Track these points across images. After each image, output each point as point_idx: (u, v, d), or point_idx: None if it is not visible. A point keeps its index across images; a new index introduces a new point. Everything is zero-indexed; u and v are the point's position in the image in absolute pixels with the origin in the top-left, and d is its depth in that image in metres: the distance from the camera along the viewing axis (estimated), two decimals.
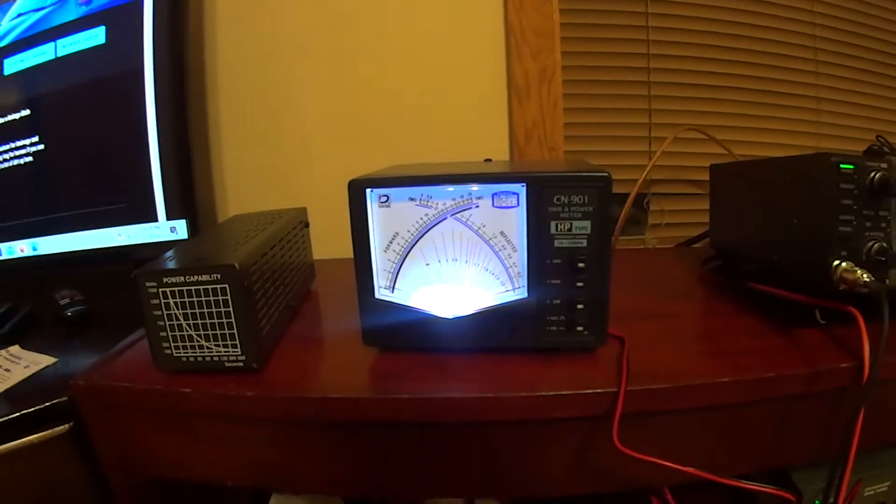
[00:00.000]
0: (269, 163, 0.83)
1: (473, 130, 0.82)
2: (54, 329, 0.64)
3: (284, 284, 0.50)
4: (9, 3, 0.71)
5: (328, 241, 0.71)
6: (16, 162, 0.69)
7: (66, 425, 0.49)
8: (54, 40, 0.67)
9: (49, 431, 0.48)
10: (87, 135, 0.66)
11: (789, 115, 0.88)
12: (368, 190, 0.39)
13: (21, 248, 0.71)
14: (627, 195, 0.77)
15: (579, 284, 0.39)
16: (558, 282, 0.39)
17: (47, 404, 0.48)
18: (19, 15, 0.70)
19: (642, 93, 0.84)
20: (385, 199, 0.39)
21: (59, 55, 0.66)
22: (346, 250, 0.62)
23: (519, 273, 0.40)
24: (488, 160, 0.51)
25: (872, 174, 0.42)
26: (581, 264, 0.39)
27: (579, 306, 0.40)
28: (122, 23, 0.63)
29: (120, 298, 0.69)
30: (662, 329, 0.47)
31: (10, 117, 0.70)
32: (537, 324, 0.40)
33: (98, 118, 0.65)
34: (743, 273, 0.56)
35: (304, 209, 0.59)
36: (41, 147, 0.68)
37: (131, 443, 0.45)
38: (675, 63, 0.84)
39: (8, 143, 0.70)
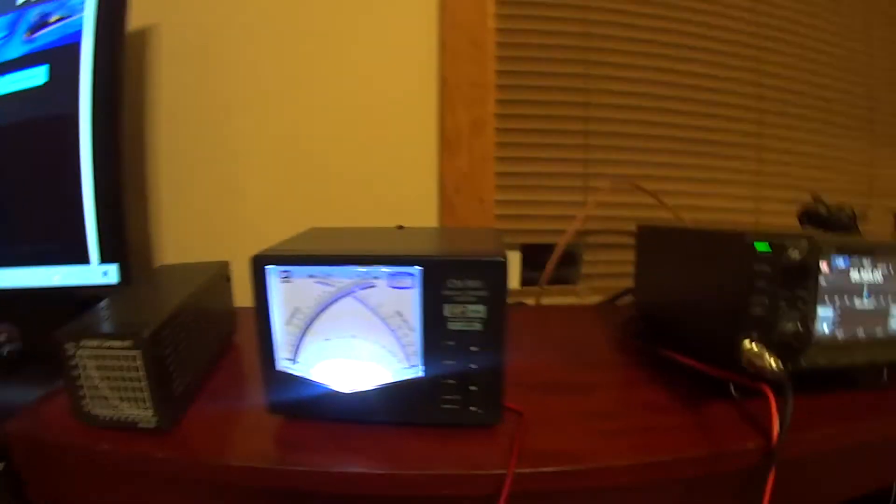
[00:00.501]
0: (204, 210, 0.85)
1: (404, 182, 0.83)
2: None
3: (201, 344, 0.51)
4: None
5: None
6: None
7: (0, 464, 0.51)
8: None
9: None
10: (24, 173, 0.67)
11: (729, 163, 0.88)
12: (268, 266, 0.40)
13: None
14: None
15: (472, 366, 0.40)
16: (452, 362, 0.40)
17: None
18: None
19: (578, 142, 0.85)
20: (286, 274, 0.41)
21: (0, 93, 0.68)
22: None
23: (415, 351, 0.41)
24: (400, 227, 0.52)
25: (791, 254, 0.42)
26: (474, 348, 0.39)
27: (472, 387, 0.40)
28: (64, 63, 0.65)
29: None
30: (570, 403, 0.47)
31: None
32: (433, 401, 0.41)
33: (35, 157, 0.67)
34: (661, 339, 0.56)
35: (227, 263, 0.61)
36: None
37: (59, 487, 0.47)
38: (613, 112, 0.85)
39: None
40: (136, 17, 0.67)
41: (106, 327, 0.43)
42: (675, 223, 0.59)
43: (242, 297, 0.65)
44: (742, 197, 0.89)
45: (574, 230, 0.78)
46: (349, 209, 0.83)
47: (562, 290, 0.87)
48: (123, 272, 0.63)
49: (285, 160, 0.84)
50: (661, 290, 0.59)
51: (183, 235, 0.86)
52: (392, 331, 0.40)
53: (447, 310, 0.39)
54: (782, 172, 0.91)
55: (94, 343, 0.42)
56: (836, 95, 0.92)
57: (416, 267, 0.39)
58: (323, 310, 0.41)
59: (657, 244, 0.60)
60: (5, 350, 0.63)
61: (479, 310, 0.39)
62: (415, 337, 0.40)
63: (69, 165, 0.63)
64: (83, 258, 0.64)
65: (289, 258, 0.40)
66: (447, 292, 0.39)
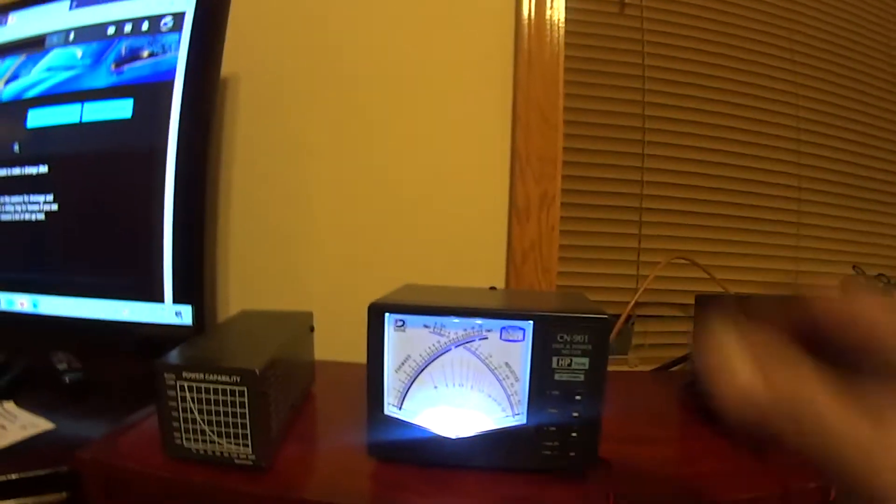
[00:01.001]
0: (275, 258, 0.86)
1: (474, 249, 0.85)
2: (49, 393, 0.64)
3: (290, 387, 0.52)
4: (40, 54, 0.73)
5: (326, 343, 0.73)
6: (28, 217, 0.71)
7: (63, 494, 0.50)
8: (81, 103, 0.69)
9: (44, 497, 0.50)
10: (103, 204, 0.68)
11: (770, 240, 0.94)
12: (387, 314, 0.42)
13: (21, 303, 0.72)
14: (617, 316, 0.81)
15: (574, 414, 0.42)
16: (555, 411, 0.42)
17: (48, 471, 0.50)
18: (49, 69, 0.72)
19: (633, 218, 0.90)
20: (401, 323, 0.42)
21: (84, 120, 0.69)
22: (342, 353, 0.65)
23: (519, 401, 0.43)
24: (493, 288, 0.55)
25: None
26: (578, 397, 0.42)
27: (573, 434, 0.43)
28: (151, 99, 0.65)
29: (117, 371, 0.70)
30: (646, 453, 0.50)
31: (27, 170, 0.72)
32: (533, 447, 0.43)
33: (115, 189, 0.67)
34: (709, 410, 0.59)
35: (311, 313, 0.62)
36: (55, 207, 0.70)
37: None
38: (665, 190, 0.90)
39: (23, 196, 0.72)
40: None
41: (212, 361, 0.43)
42: (732, 294, 0.63)
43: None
44: (781, 271, 0.95)
45: (634, 302, 0.81)
46: (419, 269, 0.84)
47: (613, 359, 0.91)
48: (197, 314, 0.63)
49: (359, 217, 0.85)
50: None
51: (250, 283, 0.87)
52: (499, 381, 0.43)
53: (555, 362, 0.41)
54: (819, 247, 0.97)
55: (198, 375, 0.42)
56: (871, 174, 0.99)
57: (528, 322, 0.41)
58: (434, 359, 0.42)
59: (715, 312, 0.64)
60: (67, 378, 0.62)
61: (583, 362, 0.42)
62: (520, 386, 0.43)
63: (150, 201, 0.63)
64: (157, 296, 0.64)
65: (406, 307, 0.42)
66: (556, 345, 0.41)
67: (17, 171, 0.72)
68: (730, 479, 0.45)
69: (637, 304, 0.85)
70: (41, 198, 0.70)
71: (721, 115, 0.92)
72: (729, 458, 0.49)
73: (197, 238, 0.63)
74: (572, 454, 0.43)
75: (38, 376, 0.67)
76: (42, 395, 0.64)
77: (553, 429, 0.43)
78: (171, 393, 0.43)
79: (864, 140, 0.98)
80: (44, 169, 0.71)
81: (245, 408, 0.42)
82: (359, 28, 0.83)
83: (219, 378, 0.42)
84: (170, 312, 0.64)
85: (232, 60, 0.83)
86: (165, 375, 0.43)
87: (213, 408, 0.43)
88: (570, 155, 0.86)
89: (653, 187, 0.89)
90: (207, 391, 0.43)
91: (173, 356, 0.44)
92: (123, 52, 0.68)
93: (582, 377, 0.42)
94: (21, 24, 0.74)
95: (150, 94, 0.66)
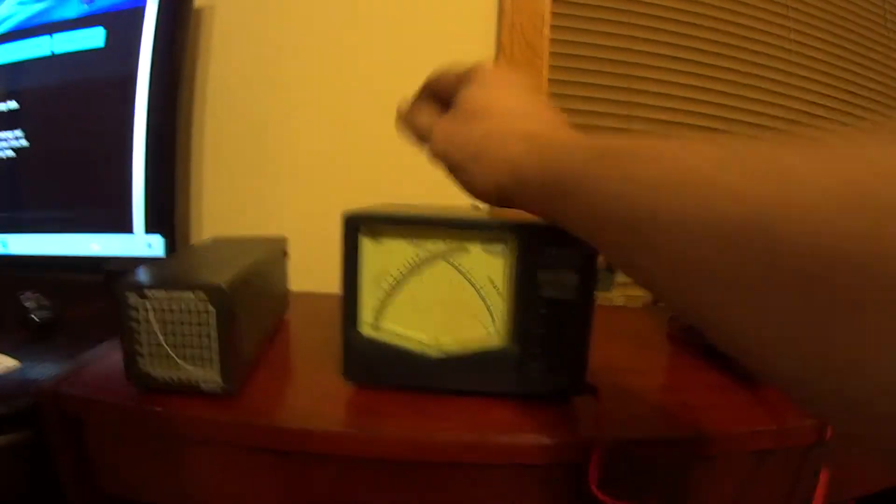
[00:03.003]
0: (249, 187, 0.83)
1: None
2: (17, 332, 0.62)
3: (262, 310, 0.49)
4: None
5: (301, 274, 0.71)
6: None
7: (27, 433, 0.48)
8: (51, 34, 0.66)
9: (7, 437, 0.47)
10: (73, 137, 0.65)
11: None
12: (363, 225, 0.39)
13: None
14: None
15: (562, 334, 0.40)
16: (542, 331, 0.40)
17: (8, 410, 0.47)
18: (20, 2, 0.69)
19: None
20: (378, 234, 0.40)
21: (54, 52, 0.65)
22: (320, 284, 0.63)
23: (504, 320, 0.40)
24: (475, 207, 0.52)
25: None
26: (566, 315, 0.39)
27: (560, 356, 0.40)
28: (122, 28, 0.62)
29: (87, 308, 0.68)
30: (634, 382, 0.48)
31: None
32: (518, 370, 0.41)
33: (85, 121, 0.64)
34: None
35: (285, 238, 0.59)
36: (24, 143, 0.66)
37: (94, 458, 0.44)
38: (653, 126, 0.87)
39: None
40: None
41: (177, 279, 0.40)
42: None
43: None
44: None
45: None
46: (400, 197, 0.82)
47: (596, 296, 0.88)
48: (168, 245, 0.60)
49: (337, 144, 0.82)
50: None
51: (224, 213, 0.84)
52: (482, 297, 0.40)
53: (541, 276, 0.39)
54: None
55: (162, 294, 0.40)
56: None
57: (513, 232, 0.39)
58: (412, 273, 0.40)
59: None
60: (35, 317, 0.59)
61: (572, 278, 0.39)
62: (504, 304, 0.40)
63: (121, 131, 0.60)
64: (126, 227, 0.61)
65: (383, 217, 0.39)
66: (543, 259, 0.39)
67: None
68: (723, 411, 0.43)
69: None
70: (10, 134, 0.67)
71: (711, 55, 0.88)
72: (722, 391, 0.47)
73: (168, 167, 0.60)
74: (559, 378, 0.41)
75: (6, 317, 0.64)
76: (10, 336, 0.61)
77: (539, 350, 0.40)
78: (133, 314, 0.40)
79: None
80: (13, 105, 0.67)
81: (211, 327, 0.40)
82: None
83: (183, 295, 0.39)
84: (141, 244, 0.61)
85: None
86: (127, 294, 0.40)
87: (178, 329, 0.40)
88: (556, 87, 0.83)
89: (640, 123, 0.86)
90: (171, 311, 0.40)
91: (136, 275, 0.41)
92: None
93: (571, 294, 0.39)
94: None
95: (122, 22, 0.63)
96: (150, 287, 0.40)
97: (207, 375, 0.41)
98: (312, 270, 0.67)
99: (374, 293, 0.40)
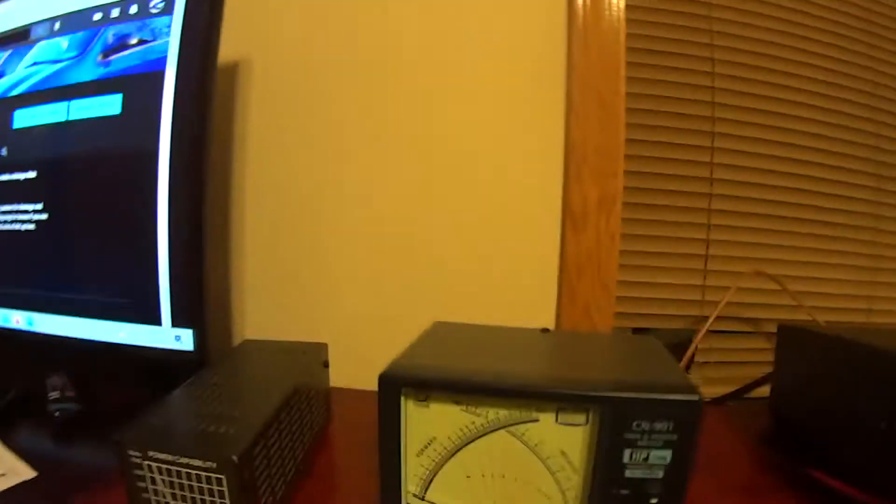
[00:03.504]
0: (293, 283, 0.74)
1: (520, 263, 0.72)
2: (41, 424, 0.57)
3: (294, 447, 0.43)
4: (25, 48, 0.65)
5: (348, 373, 0.64)
6: (18, 227, 0.64)
7: None
8: (68, 100, 0.61)
9: None
10: (94, 212, 0.60)
11: (844, 260, 0.80)
12: (406, 387, 0.32)
13: (17, 320, 0.66)
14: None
15: None
16: None
17: None
18: (35, 63, 0.64)
19: (702, 221, 0.75)
20: (424, 397, 0.32)
21: (70, 118, 0.60)
22: (366, 381, 0.55)
23: (576, 497, 0.33)
24: (545, 330, 0.44)
25: None
26: (653, 500, 0.31)
27: None
28: (141, 93, 0.57)
29: (116, 399, 0.63)
30: None
31: (15, 176, 0.64)
32: None
33: (106, 196, 0.59)
34: (803, 452, 0.50)
35: (325, 345, 0.53)
36: (45, 216, 0.62)
37: None
38: (737, 190, 0.76)
39: (11, 205, 0.64)
40: (224, 48, 0.57)
41: (183, 438, 0.34)
42: (827, 329, 0.51)
43: (333, 377, 0.58)
44: (855, 284, 0.80)
45: (712, 320, 0.68)
46: (457, 291, 0.73)
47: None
48: (199, 339, 0.54)
49: (388, 229, 0.73)
50: (808, 403, 0.51)
51: (266, 307, 0.76)
52: (551, 473, 0.32)
53: (627, 455, 0.31)
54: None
55: (166, 457, 0.34)
56: None
57: (598, 404, 0.31)
58: (466, 444, 0.32)
59: (806, 352, 0.52)
60: (56, 411, 0.55)
61: (664, 455, 0.31)
62: (579, 481, 0.32)
63: (142, 209, 0.55)
64: (154, 318, 0.56)
65: (430, 381, 0.32)
66: (630, 435, 0.31)
67: (5, 177, 0.65)
68: None
69: (698, 320, 0.73)
70: (30, 206, 0.63)
71: (797, 114, 0.77)
72: None
73: (196, 251, 0.54)
74: None
75: (32, 403, 0.60)
76: (32, 428, 0.57)
77: None
78: (139, 472, 0.35)
79: None
80: (31, 174, 0.63)
81: (225, 498, 0.33)
82: (389, 1, 0.71)
83: (191, 462, 0.33)
84: (168, 336, 0.56)
85: (247, 41, 0.73)
86: (130, 453, 0.34)
87: (188, 494, 0.34)
88: (631, 148, 0.72)
89: (723, 186, 0.76)
90: (179, 475, 0.34)
91: (140, 426, 0.35)
92: (111, 39, 0.59)
93: (661, 474, 0.31)
94: (4, 17, 0.66)
95: (140, 87, 0.57)
96: (154, 448, 0.34)
97: None
98: (362, 369, 0.61)
99: (420, 462, 0.33)
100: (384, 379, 0.32)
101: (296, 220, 0.74)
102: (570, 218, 0.69)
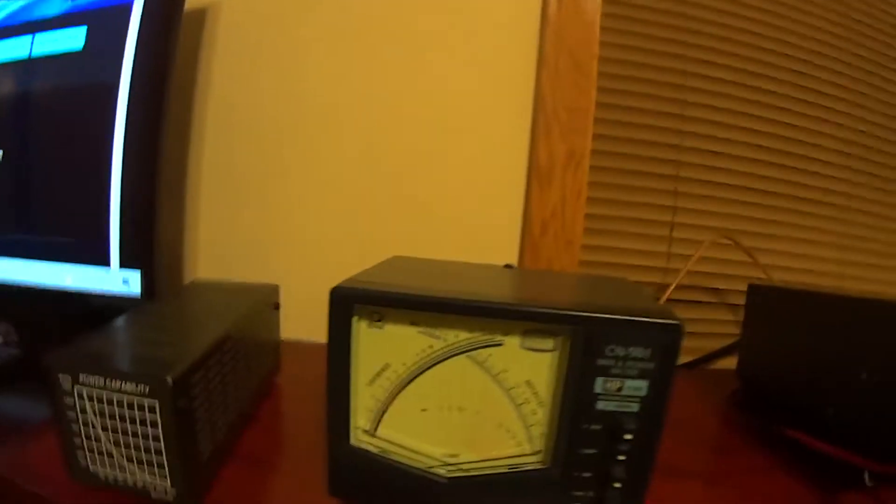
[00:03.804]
0: (247, 224, 0.71)
1: (482, 216, 0.70)
2: None
3: (238, 388, 0.40)
4: None
5: (300, 322, 0.62)
6: None
7: None
8: (32, 34, 0.57)
9: None
10: (50, 151, 0.55)
11: (815, 223, 0.79)
12: (358, 305, 0.29)
13: None
14: None
15: (620, 458, 0.29)
16: (593, 451, 0.30)
17: None
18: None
19: (668, 188, 0.74)
20: (378, 317, 0.29)
21: (33, 54, 0.56)
22: (320, 334, 0.53)
23: (542, 434, 0.30)
24: (508, 266, 0.41)
25: None
26: (627, 434, 0.29)
27: (616, 484, 0.30)
28: (106, 27, 0.53)
29: (61, 346, 0.59)
30: (692, 496, 0.38)
31: None
32: (558, 499, 0.30)
33: (63, 134, 0.55)
34: (775, 414, 0.48)
35: (276, 287, 0.49)
36: None
37: None
38: (705, 158, 0.75)
39: None
40: None
41: (116, 361, 0.31)
42: (802, 286, 0.50)
43: (287, 327, 0.55)
44: (825, 258, 0.80)
45: (675, 285, 0.67)
46: (417, 240, 0.70)
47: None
48: (146, 282, 0.51)
49: (350, 173, 0.70)
50: (779, 363, 0.49)
51: (220, 248, 0.72)
52: (515, 406, 0.30)
53: (599, 384, 0.28)
54: (867, 237, 0.83)
55: (98, 381, 0.30)
56: None
57: (567, 324, 0.28)
58: (424, 370, 0.30)
59: (777, 310, 0.51)
60: None
61: (640, 386, 0.29)
62: (545, 415, 0.30)
63: (98, 147, 0.51)
64: (102, 258, 0.52)
65: (384, 296, 0.29)
66: (603, 361, 0.28)
67: None
68: None
69: (662, 287, 0.72)
70: None
71: (770, 74, 0.76)
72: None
73: (148, 190, 0.50)
74: None
75: None
76: None
77: (588, 475, 0.30)
78: (69, 400, 0.31)
79: None
80: None
81: (158, 427, 0.30)
82: None
83: (123, 386, 0.30)
84: (116, 279, 0.52)
85: None
86: (60, 377, 0.31)
87: (119, 423, 0.31)
88: (605, 111, 0.70)
89: (692, 154, 0.74)
90: (111, 402, 0.30)
91: (71, 350, 0.32)
92: None
93: (636, 407, 0.29)
94: None
95: (105, 20, 0.53)
96: (85, 369, 0.30)
97: (157, 483, 0.31)
98: (311, 318, 0.58)
99: (371, 392, 0.30)
100: (336, 294, 0.29)
101: (254, 166, 0.71)
102: (537, 173, 0.67)
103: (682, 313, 0.74)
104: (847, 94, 0.78)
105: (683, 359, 0.73)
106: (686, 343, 0.72)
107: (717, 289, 0.76)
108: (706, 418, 0.52)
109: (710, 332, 0.76)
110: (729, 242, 0.70)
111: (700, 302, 0.76)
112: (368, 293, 0.29)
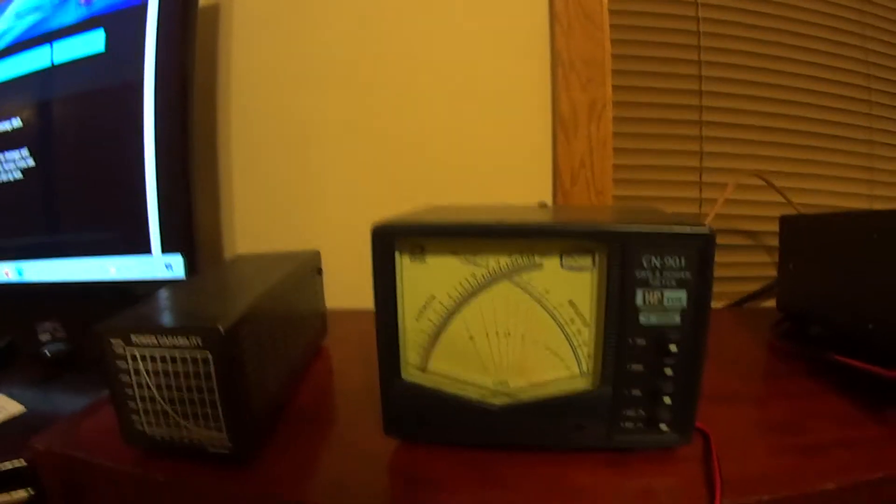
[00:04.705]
0: (282, 198, 0.74)
1: (512, 170, 0.72)
2: (32, 367, 0.56)
3: (287, 345, 0.41)
4: (7, 2, 0.65)
5: (343, 290, 0.63)
6: (4, 177, 0.62)
7: (25, 492, 0.41)
8: (51, 43, 0.60)
9: (6, 496, 0.41)
10: (81, 153, 0.59)
11: (842, 159, 0.78)
12: (399, 239, 0.30)
13: (6, 272, 0.64)
14: None
15: (667, 372, 0.30)
16: (640, 367, 0.30)
17: (3, 467, 0.40)
18: (18, 15, 0.64)
19: (694, 133, 0.74)
20: (420, 250, 0.30)
21: (55, 62, 0.60)
22: (363, 300, 0.54)
23: (590, 354, 0.31)
24: (543, 204, 0.42)
25: None
26: (672, 346, 0.29)
27: (665, 399, 0.30)
28: (124, 29, 0.56)
29: None
30: (743, 416, 0.38)
31: (1, 127, 0.63)
32: (609, 419, 0.31)
33: (93, 134, 0.58)
34: (819, 341, 0.48)
35: (318, 253, 0.51)
36: (31, 163, 0.61)
37: None
38: (726, 101, 0.75)
39: None
40: None
41: (166, 319, 0.32)
42: (832, 209, 0.50)
43: (329, 296, 0.57)
44: (854, 194, 0.79)
45: (712, 218, 0.68)
46: (450, 198, 0.72)
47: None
48: (189, 264, 0.53)
49: (375, 142, 0.73)
50: (818, 288, 0.49)
51: (257, 225, 0.75)
52: (561, 327, 0.30)
53: (640, 297, 0.29)
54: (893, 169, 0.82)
55: (150, 340, 0.31)
56: None
57: (602, 241, 0.29)
58: (468, 299, 0.30)
59: (811, 237, 0.51)
60: (47, 351, 0.53)
61: (679, 296, 0.29)
62: (590, 334, 0.30)
63: (129, 142, 0.54)
64: (144, 248, 0.54)
65: (426, 227, 0.30)
66: (641, 273, 0.29)
67: None
68: (854, 450, 0.32)
69: None
70: (16, 154, 0.62)
71: (788, 20, 0.76)
72: (848, 424, 0.36)
73: (182, 179, 0.53)
74: (663, 427, 0.30)
75: (25, 349, 0.59)
76: (24, 372, 0.56)
77: (637, 392, 0.30)
78: (122, 364, 0.33)
79: None
80: (17, 123, 0.62)
81: (212, 379, 0.31)
82: None
83: (175, 341, 0.31)
84: (159, 265, 0.54)
85: None
86: (112, 342, 0.32)
87: (174, 381, 0.32)
88: (621, 62, 0.71)
89: (713, 98, 0.74)
90: (164, 360, 0.32)
91: (120, 317, 0.33)
92: None
93: (678, 319, 0.29)
94: None
95: (122, 22, 0.56)
96: (137, 331, 0.32)
97: (213, 436, 0.33)
98: (353, 286, 0.59)
99: (420, 327, 0.31)
100: (377, 232, 0.30)
101: (282, 136, 0.74)
102: (562, 124, 0.68)
103: (718, 258, 0.75)
104: (858, 24, 0.78)
105: (723, 303, 0.73)
106: (725, 288, 0.72)
107: (752, 231, 0.76)
108: (751, 350, 0.52)
109: (748, 276, 0.75)
110: (760, 182, 0.70)
111: (736, 246, 0.76)
112: (409, 226, 0.30)
